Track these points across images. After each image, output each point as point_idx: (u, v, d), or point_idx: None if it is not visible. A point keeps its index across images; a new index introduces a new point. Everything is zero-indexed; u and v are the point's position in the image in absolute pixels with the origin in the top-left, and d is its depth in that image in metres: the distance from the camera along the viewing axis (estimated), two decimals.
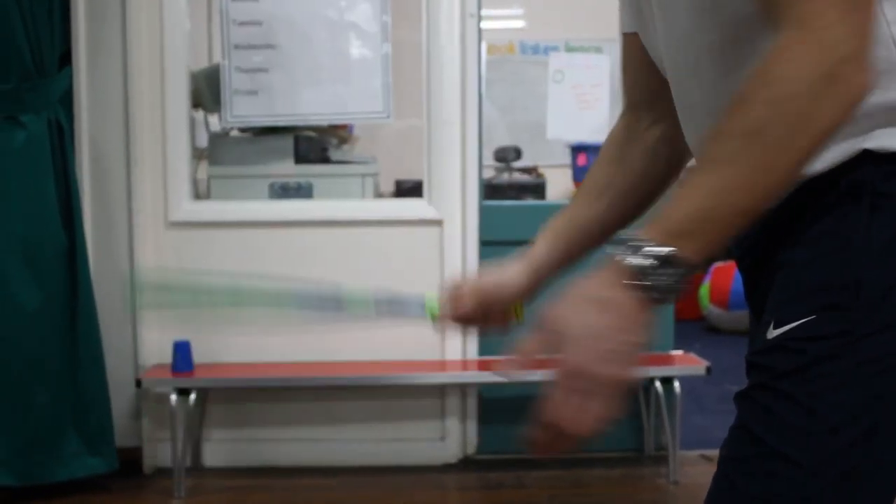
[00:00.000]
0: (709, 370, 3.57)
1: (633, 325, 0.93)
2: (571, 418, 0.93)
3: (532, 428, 0.96)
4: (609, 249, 0.96)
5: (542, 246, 1.32)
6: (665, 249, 0.92)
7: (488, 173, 5.21)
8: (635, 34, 1.25)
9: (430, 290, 1.30)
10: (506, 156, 4.75)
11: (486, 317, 1.32)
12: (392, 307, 1.29)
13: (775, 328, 1.00)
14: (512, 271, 1.31)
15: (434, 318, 1.30)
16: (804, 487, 0.96)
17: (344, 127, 4.21)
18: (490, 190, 4.39)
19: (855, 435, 0.96)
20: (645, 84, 1.27)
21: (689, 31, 1.07)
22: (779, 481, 0.97)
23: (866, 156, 1.00)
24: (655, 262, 0.92)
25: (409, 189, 4.39)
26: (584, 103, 4.33)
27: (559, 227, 1.33)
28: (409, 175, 4.49)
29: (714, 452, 3.94)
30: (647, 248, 0.93)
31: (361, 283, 1.32)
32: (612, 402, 0.93)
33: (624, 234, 0.96)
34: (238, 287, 1.24)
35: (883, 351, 0.96)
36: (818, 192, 1.01)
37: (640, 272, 0.93)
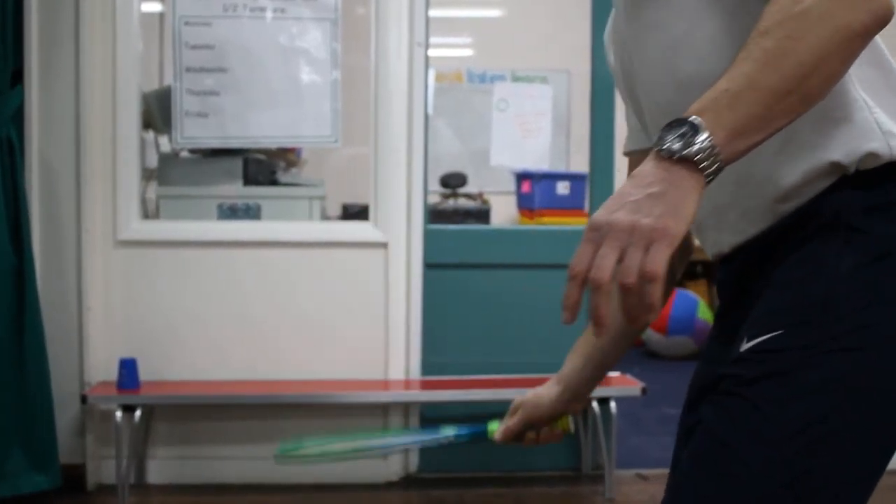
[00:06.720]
0: (644, 391, 3.69)
1: (655, 181, 0.95)
2: (604, 266, 0.93)
3: (572, 290, 0.95)
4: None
5: (568, 363, 1.49)
6: (683, 118, 0.97)
7: (434, 199, 5.27)
8: (637, 153, 1.39)
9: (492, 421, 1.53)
10: (451, 182, 4.85)
11: (536, 430, 1.49)
12: (464, 433, 1.52)
13: (748, 342, 1.08)
14: (547, 387, 1.49)
15: (493, 436, 1.51)
16: (752, 488, 1.02)
17: (292, 150, 4.28)
18: (436, 215, 4.45)
19: (805, 444, 1.02)
20: None
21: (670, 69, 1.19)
22: (731, 479, 1.04)
23: (844, 182, 1.09)
24: (675, 129, 0.96)
25: (357, 213, 4.46)
26: (526, 132, 4.44)
27: (580, 344, 1.49)
28: (356, 199, 4.56)
29: (649, 471, 4.09)
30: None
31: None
32: (656, 254, 0.92)
33: None
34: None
35: (841, 371, 1.03)
36: (800, 222, 1.11)
37: (661, 141, 0.97)
